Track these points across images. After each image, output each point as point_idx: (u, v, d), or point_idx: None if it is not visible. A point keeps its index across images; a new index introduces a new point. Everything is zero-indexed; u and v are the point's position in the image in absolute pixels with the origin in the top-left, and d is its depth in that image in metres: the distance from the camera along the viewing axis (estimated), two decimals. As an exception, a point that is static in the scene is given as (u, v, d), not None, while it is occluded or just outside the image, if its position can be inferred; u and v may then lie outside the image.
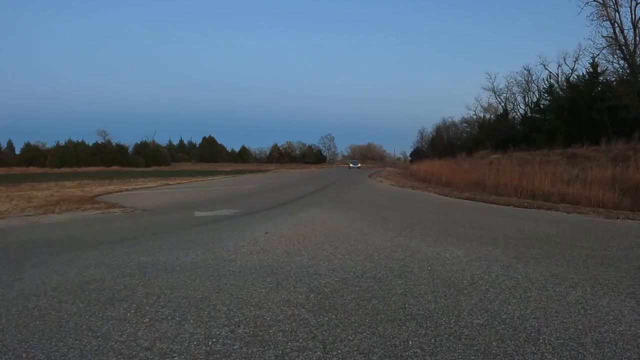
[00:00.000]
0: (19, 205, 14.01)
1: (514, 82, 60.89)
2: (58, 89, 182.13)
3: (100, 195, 17.98)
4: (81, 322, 3.54)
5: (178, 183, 29.16)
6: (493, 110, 63.07)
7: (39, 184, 27.96)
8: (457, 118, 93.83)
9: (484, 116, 64.32)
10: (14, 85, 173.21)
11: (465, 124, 68.91)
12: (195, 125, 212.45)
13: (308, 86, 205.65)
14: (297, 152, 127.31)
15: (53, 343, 3.13)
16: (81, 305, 3.94)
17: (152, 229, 8.57)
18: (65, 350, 3.02)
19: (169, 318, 3.61)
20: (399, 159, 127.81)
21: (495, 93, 64.37)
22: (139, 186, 24.35)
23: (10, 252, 6.47)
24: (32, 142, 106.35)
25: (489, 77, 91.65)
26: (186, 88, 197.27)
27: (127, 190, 21.34)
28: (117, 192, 20.06)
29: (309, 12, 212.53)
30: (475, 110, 69.85)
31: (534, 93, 55.53)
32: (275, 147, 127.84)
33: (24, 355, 2.94)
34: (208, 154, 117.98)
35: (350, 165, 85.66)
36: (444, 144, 67.62)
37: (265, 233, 7.43)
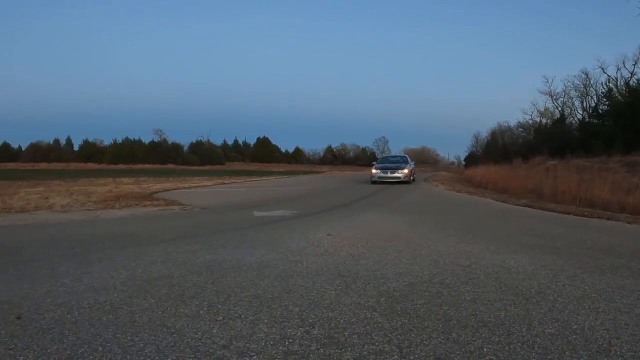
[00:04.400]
0: (79, 199, 14.40)
1: (572, 86, 59.33)
2: (116, 88, 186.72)
3: (158, 192, 18.30)
4: (154, 317, 3.60)
5: (233, 182, 29.54)
6: (550, 115, 61.73)
7: (97, 180, 28.76)
8: (512, 122, 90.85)
9: (540, 121, 62.92)
10: (74, 84, 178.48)
11: (521, 129, 67.33)
12: (250, 126, 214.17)
13: (363, 87, 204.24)
14: (351, 154, 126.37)
15: (128, 338, 3.19)
16: (152, 301, 4.02)
17: (213, 227, 8.67)
18: (142, 345, 3.07)
19: (242, 317, 3.63)
20: (452, 163, 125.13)
21: (552, 97, 62.61)
22: (195, 184, 24.71)
23: (75, 246, 6.65)
24: (90, 140, 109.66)
25: (546, 80, 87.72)
26: (242, 87, 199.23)
27: (183, 188, 21.69)
28: (174, 189, 20.40)
29: (364, 9, 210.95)
30: (531, 115, 66.89)
31: (592, 97, 54.35)
32: (329, 149, 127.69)
33: (100, 349, 3.00)
34: (262, 154, 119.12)
35: (376, 172, 26.44)
36: (498, 149, 66.07)
37: (327, 235, 7.43)
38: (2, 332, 3.31)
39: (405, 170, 25.53)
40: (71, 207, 12.47)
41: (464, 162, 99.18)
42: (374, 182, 25.47)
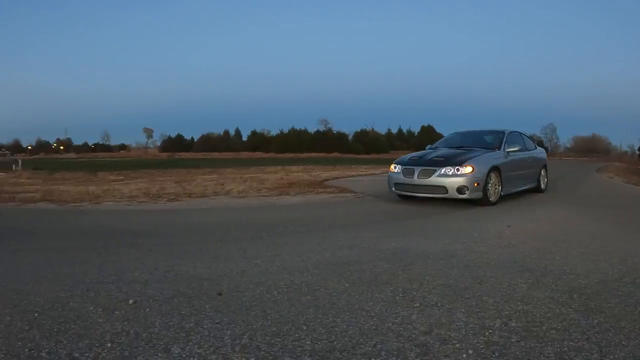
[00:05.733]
0: (253, 186, 15.04)
1: None
2: (283, 81, 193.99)
3: (328, 180, 18.61)
4: (352, 300, 3.59)
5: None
6: None
7: (267, 168, 29.86)
8: None
9: None
10: (241, 78, 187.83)
11: None
12: (414, 114, 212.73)
13: (528, 71, 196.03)
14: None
15: (330, 319, 3.20)
16: (347, 285, 4.02)
17: (390, 215, 8.65)
18: (344, 326, 3.06)
19: (439, 305, 3.52)
20: (625, 152, 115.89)
21: None
22: (363, 172, 24.89)
23: (261, 230, 6.93)
24: (258, 130, 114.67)
25: None
26: (404, 76, 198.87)
27: (352, 176, 21.93)
28: (343, 177, 20.66)
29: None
30: None
31: None
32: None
33: (304, 328, 3.04)
34: (426, 142, 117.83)
35: (396, 171, 10.76)
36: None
37: (508, 226, 7.13)
38: (207, 306, 3.47)
39: (467, 169, 9.82)
40: (247, 193, 13.04)
41: (638, 152, 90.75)
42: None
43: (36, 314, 3.35)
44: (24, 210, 10.43)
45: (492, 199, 10.17)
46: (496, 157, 10.73)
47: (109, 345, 2.79)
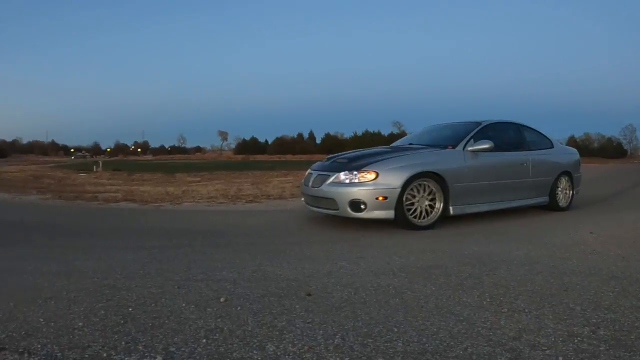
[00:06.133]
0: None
1: None
2: (356, 83, 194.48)
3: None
4: (440, 304, 3.59)
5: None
6: None
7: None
8: None
9: None
10: (315, 81, 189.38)
11: None
12: (493, 114, 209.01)
13: (607, 71, 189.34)
14: (595, 144, 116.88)
15: (420, 321, 3.21)
16: (433, 289, 4.01)
17: (470, 219, 8.54)
18: (434, 329, 3.07)
19: (526, 311, 3.47)
20: None
21: None
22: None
23: (342, 232, 7.09)
24: (332, 133, 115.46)
25: None
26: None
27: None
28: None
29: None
30: None
31: None
32: (571, 139, 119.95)
33: (395, 330, 3.06)
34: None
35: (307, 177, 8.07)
36: None
37: (590, 233, 6.91)
38: (297, 306, 3.54)
39: (367, 176, 6.94)
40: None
41: None
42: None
43: (130, 309, 3.49)
44: (108, 209, 10.87)
45: (422, 221, 7.28)
46: (439, 160, 7.57)
47: (204, 341, 2.89)
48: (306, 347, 2.78)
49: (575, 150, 10.90)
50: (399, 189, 6.92)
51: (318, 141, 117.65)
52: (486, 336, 2.98)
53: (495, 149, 8.05)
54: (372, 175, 6.94)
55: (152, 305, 3.59)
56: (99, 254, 5.65)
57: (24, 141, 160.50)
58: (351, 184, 6.98)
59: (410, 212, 7.13)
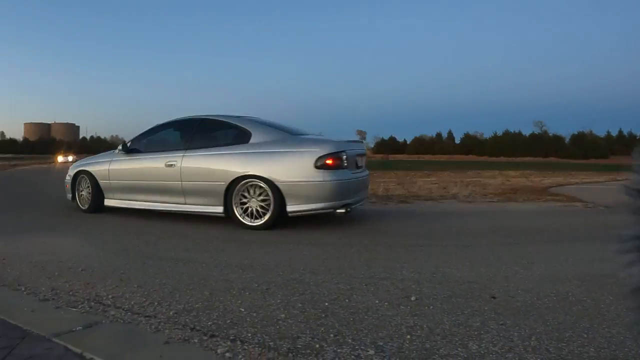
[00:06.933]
0: (476, 191, 15.13)
1: None
2: (494, 82, 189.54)
3: (551, 187, 18.00)
4: (622, 314, 3.62)
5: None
6: None
7: (484, 172, 29.51)
8: None
9: None
10: (452, 80, 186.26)
11: None
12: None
13: None
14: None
15: (605, 329, 3.30)
16: (611, 298, 4.05)
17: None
18: (621, 338, 3.15)
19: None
20: None
21: None
22: (586, 180, 23.64)
23: (507, 237, 7.17)
24: (471, 133, 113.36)
25: None
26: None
27: (575, 183, 20.94)
28: (565, 184, 19.82)
29: None
30: None
31: None
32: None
33: (584, 335, 3.19)
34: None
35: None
36: None
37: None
38: (485, 308, 3.74)
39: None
40: (473, 197, 13.15)
41: None
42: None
43: (326, 304, 3.85)
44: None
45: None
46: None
47: (408, 337, 3.15)
48: (506, 347, 2.99)
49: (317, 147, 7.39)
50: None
51: (457, 141, 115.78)
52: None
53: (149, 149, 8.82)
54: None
55: (346, 300, 3.93)
56: (272, 248, 6.16)
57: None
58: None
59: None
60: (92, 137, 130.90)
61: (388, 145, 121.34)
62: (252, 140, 7.68)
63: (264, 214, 7.32)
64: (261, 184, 7.30)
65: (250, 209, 7.41)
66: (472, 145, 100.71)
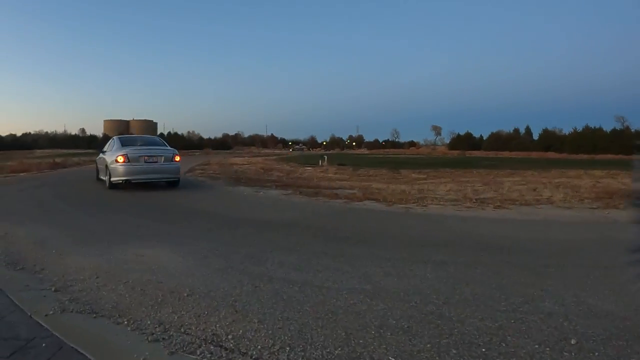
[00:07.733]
0: (569, 194, 14.23)
1: None
2: (572, 76, 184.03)
3: (646, 190, 16.91)
4: None
5: None
6: None
7: (567, 171, 28.27)
8: None
9: None
10: (527, 74, 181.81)
11: None
12: None
13: None
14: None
15: None
16: None
17: None
18: None
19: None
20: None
21: None
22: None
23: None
24: (550, 128, 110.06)
25: None
26: None
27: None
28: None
29: None
30: None
31: None
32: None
33: None
34: None
35: None
36: None
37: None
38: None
39: None
40: (569, 202, 12.37)
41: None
42: None
43: (483, 349, 3.45)
44: (356, 209, 11.27)
45: None
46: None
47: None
48: None
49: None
50: None
51: (535, 137, 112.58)
52: None
53: None
54: None
55: (503, 345, 3.54)
56: (389, 267, 5.74)
57: (245, 135, 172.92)
58: None
59: None
60: (169, 132, 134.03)
61: (464, 141, 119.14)
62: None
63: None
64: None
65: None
66: (551, 141, 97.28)
